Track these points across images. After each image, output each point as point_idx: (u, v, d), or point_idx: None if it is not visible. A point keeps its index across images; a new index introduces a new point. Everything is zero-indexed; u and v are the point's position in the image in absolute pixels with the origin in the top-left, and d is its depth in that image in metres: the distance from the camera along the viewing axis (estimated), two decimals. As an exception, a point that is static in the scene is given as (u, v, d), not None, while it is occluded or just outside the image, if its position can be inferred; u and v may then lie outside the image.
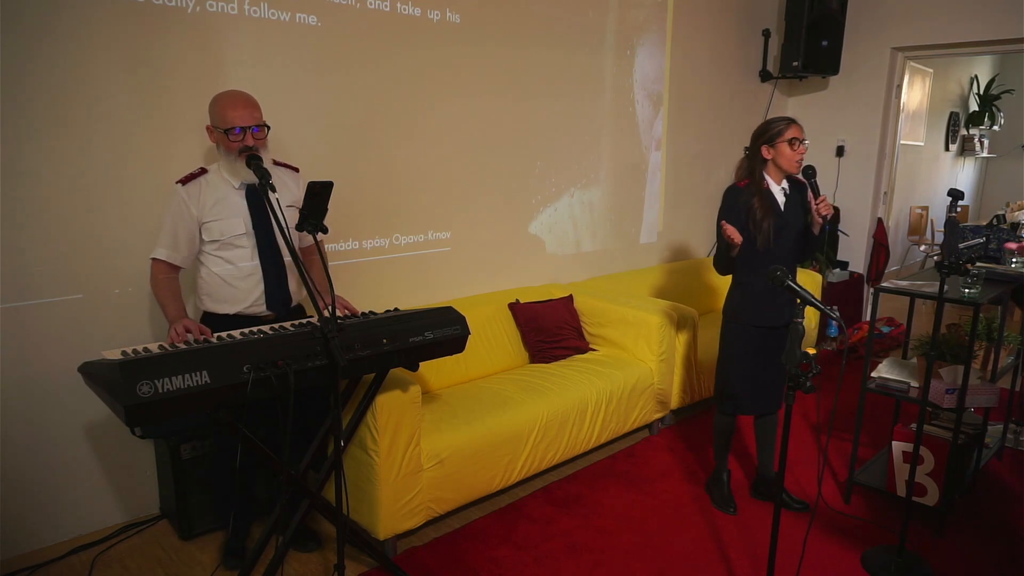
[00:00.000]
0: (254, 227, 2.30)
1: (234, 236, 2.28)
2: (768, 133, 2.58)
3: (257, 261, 2.32)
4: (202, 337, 2.03)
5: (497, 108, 3.62)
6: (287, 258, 2.39)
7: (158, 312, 2.53)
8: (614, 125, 4.28)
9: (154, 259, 2.25)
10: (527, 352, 3.58)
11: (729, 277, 2.77)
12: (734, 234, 2.47)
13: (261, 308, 2.36)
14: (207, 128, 2.27)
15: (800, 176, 2.61)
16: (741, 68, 5.20)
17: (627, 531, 2.72)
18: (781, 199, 2.64)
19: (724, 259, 2.63)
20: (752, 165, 2.64)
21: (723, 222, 2.50)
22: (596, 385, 3.23)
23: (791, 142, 2.55)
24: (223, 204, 2.26)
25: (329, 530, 2.66)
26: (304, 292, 2.53)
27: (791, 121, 2.58)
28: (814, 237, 2.65)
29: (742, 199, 2.60)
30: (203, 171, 2.28)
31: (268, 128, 2.28)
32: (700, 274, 4.71)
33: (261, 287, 2.34)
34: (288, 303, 2.42)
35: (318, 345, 1.98)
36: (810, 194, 2.58)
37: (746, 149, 2.70)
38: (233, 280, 2.31)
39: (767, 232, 2.56)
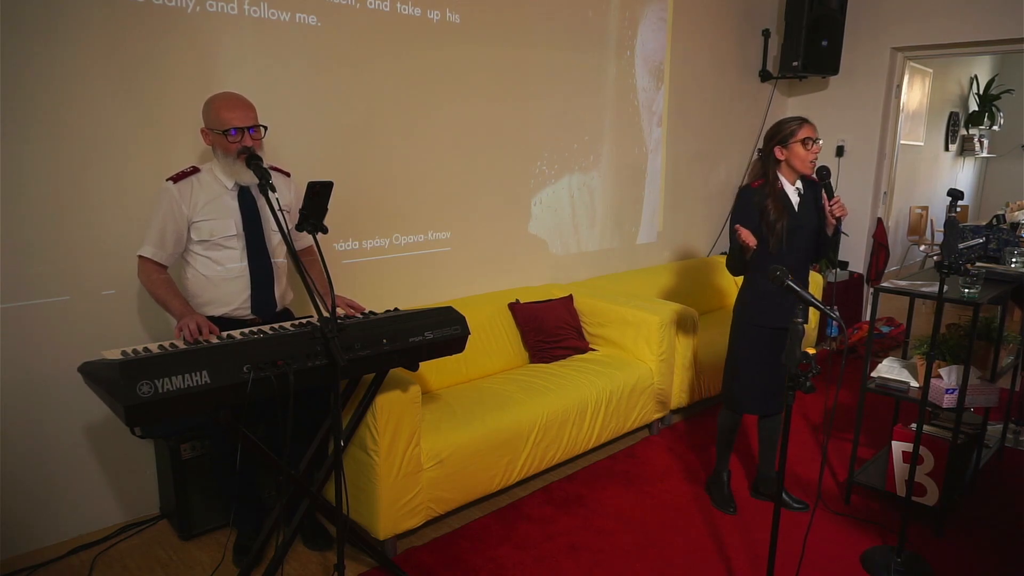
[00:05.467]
0: (245, 229, 2.30)
1: (224, 237, 2.27)
2: (781, 133, 2.56)
3: (245, 263, 2.31)
4: (211, 335, 2.04)
5: (497, 108, 3.62)
6: (275, 260, 2.39)
7: (158, 311, 2.54)
8: (614, 125, 4.28)
9: (141, 256, 2.24)
10: (527, 352, 3.58)
11: (733, 276, 2.76)
12: (748, 239, 2.42)
13: (246, 311, 2.35)
14: (202, 131, 2.27)
15: (814, 177, 2.58)
16: (741, 68, 5.20)
17: (627, 531, 2.72)
18: (795, 199, 2.62)
19: (738, 261, 2.58)
20: (766, 166, 2.63)
21: (738, 226, 2.44)
22: (596, 385, 3.23)
23: (804, 142, 2.54)
24: (215, 204, 2.26)
25: (331, 530, 2.66)
26: (291, 296, 2.53)
27: (804, 121, 2.56)
28: (827, 238, 2.62)
29: (756, 200, 2.58)
30: (195, 170, 2.27)
31: (265, 129, 2.27)
32: (700, 274, 4.71)
33: (248, 291, 2.33)
34: (274, 307, 2.41)
35: (318, 345, 1.98)
36: (824, 195, 2.55)
37: (759, 150, 2.69)
38: (220, 282, 2.30)
39: (780, 233, 2.55)
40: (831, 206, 2.52)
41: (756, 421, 2.93)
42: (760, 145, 2.69)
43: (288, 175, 2.48)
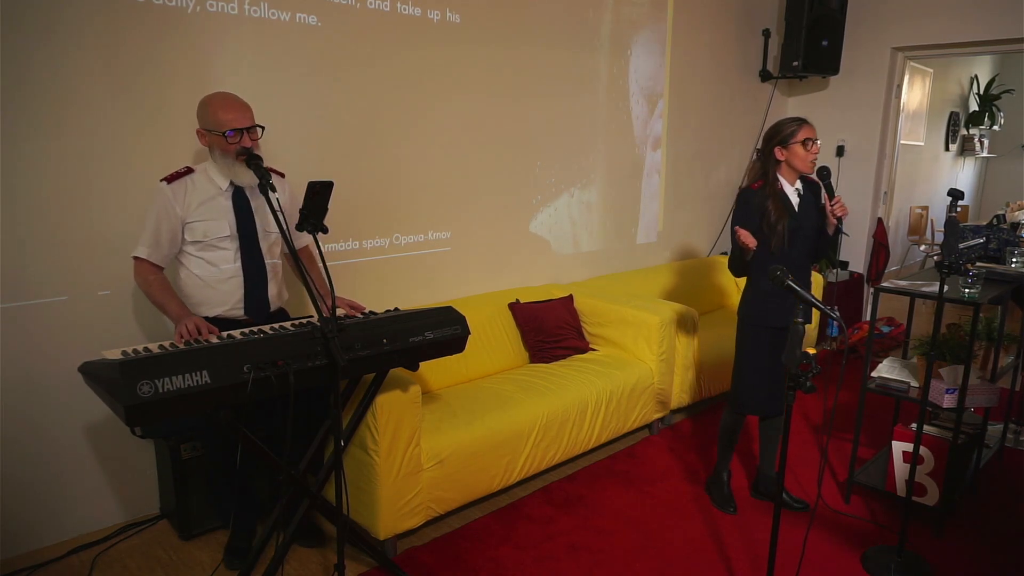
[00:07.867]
0: (238, 230, 2.30)
1: (218, 238, 2.27)
2: (781, 134, 2.57)
3: (239, 264, 2.31)
4: (210, 335, 2.04)
5: (497, 108, 3.62)
6: (269, 261, 2.39)
7: (156, 312, 2.53)
8: (614, 125, 4.28)
9: (136, 258, 2.24)
10: (527, 352, 3.58)
11: (735, 277, 2.77)
12: (748, 240, 2.43)
13: (239, 312, 2.35)
14: (197, 132, 2.26)
15: (814, 177, 2.60)
16: (741, 68, 5.20)
17: (627, 531, 2.72)
18: (795, 200, 2.62)
19: (739, 262, 2.59)
20: (765, 166, 2.63)
21: (737, 228, 2.46)
22: (596, 385, 3.23)
23: (804, 143, 2.54)
24: (209, 205, 2.26)
25: (329, 529, 2.66)
26: (286, 297, 2.53)
27: (803, 121, 2.57)
28: (827, 237, 2.63)
29: (756, 201, 2.59)
30: (189, 170, 2.27)
31: (263, 128, 2.27)
32: (700, 273, 4.71)
33: (241, 291, 2.33)
34: (267, 308, 2.41)
35: (318, 345, 1.98)
36: (824, 195, 2.57)
37: (756, 150, 2.69)
38: (214, 282, 2.30)
39: (781, 234, 2.55)
40: (832, 205, 2.53)
41: (757, 421, 2.94)
42: (759, 145, 2.68)
43: (283, 175, 2.48)
